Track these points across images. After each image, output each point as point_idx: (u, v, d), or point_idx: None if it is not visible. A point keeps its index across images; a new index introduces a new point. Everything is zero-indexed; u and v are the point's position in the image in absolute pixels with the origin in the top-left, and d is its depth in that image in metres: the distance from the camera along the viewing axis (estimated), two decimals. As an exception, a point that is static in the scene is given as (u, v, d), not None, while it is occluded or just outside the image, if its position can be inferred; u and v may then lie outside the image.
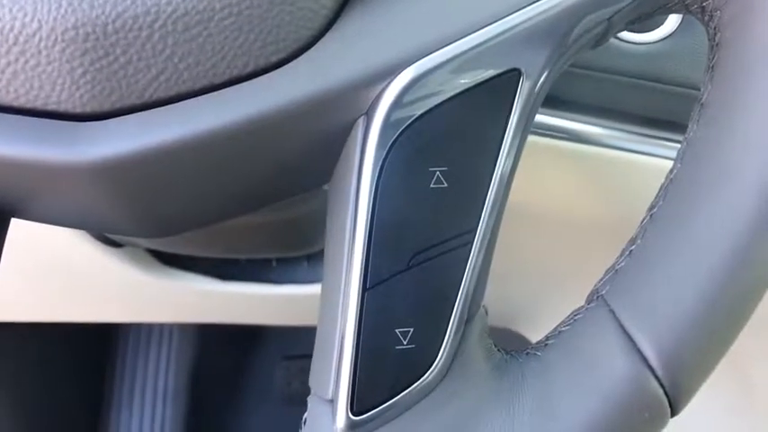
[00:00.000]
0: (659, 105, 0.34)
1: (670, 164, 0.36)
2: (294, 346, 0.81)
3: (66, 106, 0.18)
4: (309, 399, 0.21)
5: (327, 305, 0.20)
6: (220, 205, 0.21)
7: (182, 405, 0.77)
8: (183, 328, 0.78)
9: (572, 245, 0.44)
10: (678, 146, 0.35)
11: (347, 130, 0.19)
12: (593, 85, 0.34)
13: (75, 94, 0.18)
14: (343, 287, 0.19)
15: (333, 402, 0.19)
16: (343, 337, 0.19)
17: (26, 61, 0.17)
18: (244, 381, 0.80)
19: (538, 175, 0.37)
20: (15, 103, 0.18)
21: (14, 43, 0.17)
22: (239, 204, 0.22)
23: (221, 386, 0.80)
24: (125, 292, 0.52)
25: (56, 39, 0.17)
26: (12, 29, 0.17)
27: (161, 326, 0.78)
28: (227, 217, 0.23)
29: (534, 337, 0.60)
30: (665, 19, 0.33)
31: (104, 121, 0.18)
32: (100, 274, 0.50)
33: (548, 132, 0.35)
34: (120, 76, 0.18)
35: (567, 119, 0.35)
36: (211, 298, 0.54)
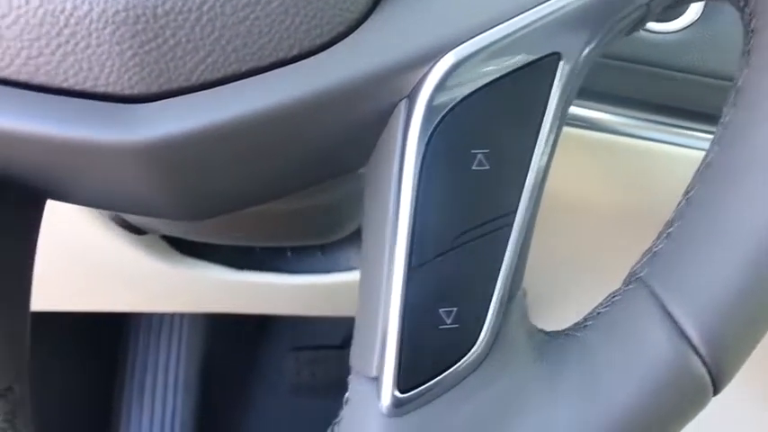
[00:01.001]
0: (681, 94, 0.34)
1: (692, 152, 0.36)
2: (303, 337, 0.81)
3: (114, 88, 0.18)
4: (351, 377, 0.21)
5: (369, 285, 0.20)
6: (259, 188, 0.22)
7: (192, 395, 0.78)
8: (193, 318, 0.79)
9: (588, 234, 0.45)
10: (700, 134, 0.36)
11: (388, 113, 0.19)
12: (614, 74, 0.34)
13: (123, 76, 0.18)
14: (386, 267, 0.19)
15: (377, 380, 0.19)
16: (387, 316, 0.19)
17: (76, 43, 0.18)
18: (253, 372, 0.81)
19: (556, 164, 0.38)
20: (64, 85, 0.18)
21: (65, 25, 0.18)
22: (278, 187, 0.22)
23: (231, 377, 0.81)
24: (140, 280, 0.52)
25: (106, 21, 0.17)
26: (63, 11, 0.17)
27: (171, 316, 0.78)
28: (264, 200, 0.23)
29: (545, 326, 0.60)
30: (687, 8, 0.33)
31: (152, 104, 0.18)
32: (114, 262, 0.50)
33: (569, 122, 0.35)
34: (169, 58, 0.18)
35: (588, 108, 0.35)
36: (226, 287, 0.54)
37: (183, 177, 0.19)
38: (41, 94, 0.18)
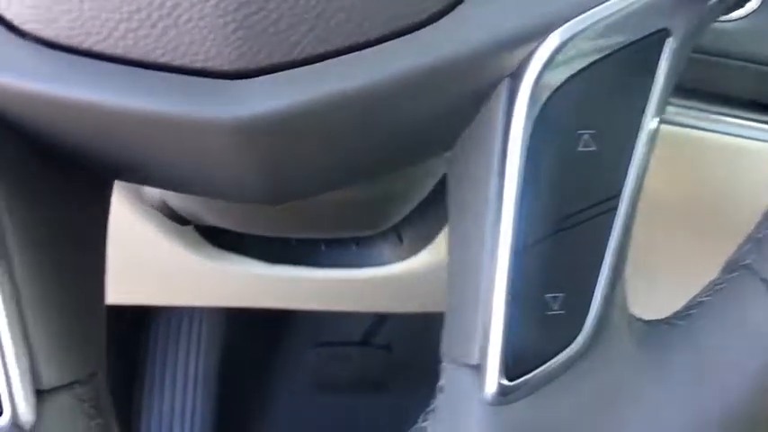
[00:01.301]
0: (743, 84, 0.33)
1: (750, 143, 0.35)
2: (323, 332, 0.81)
3: (212, 64, 0.18)
4: (446, 365, 0.20)
5: (466, 270, 0.20)
6: (345, 171, 0.21)
7: (211, 390, 0.77)
8: (213, 313, 0.78)
9: (652, 226, 0.44)
10: (761, 125, 0.35)
11: (488, 92, 0.19)
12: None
13: (223, 51, 0.17)
14: (487, 251, 0.19)
15: (479, 368, 0.19)
16: (490, 303, 0.19)
17: (178, 16, 0.17)
18: (273, 367, 0.80)
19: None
20: (161, 60, 0.18)
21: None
22: (363, 171, 0.22)
23: (251, 372, 0.80)
24: (171, 273, 0.52)
25: None
26: None
27: (191, 310, 0.78)
28: (345, 184, 0.22)
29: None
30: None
31: (254, 79, 0.18)
32: (146, 254, 0.50)
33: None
34: (272, 32, 0.17)
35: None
36: (258, 281, 0.53)
37: (278, 156, 0.19)
38: (137, 69, 0.18)
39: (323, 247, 0.54)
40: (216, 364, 0.78)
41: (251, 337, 0.81)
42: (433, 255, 0.50)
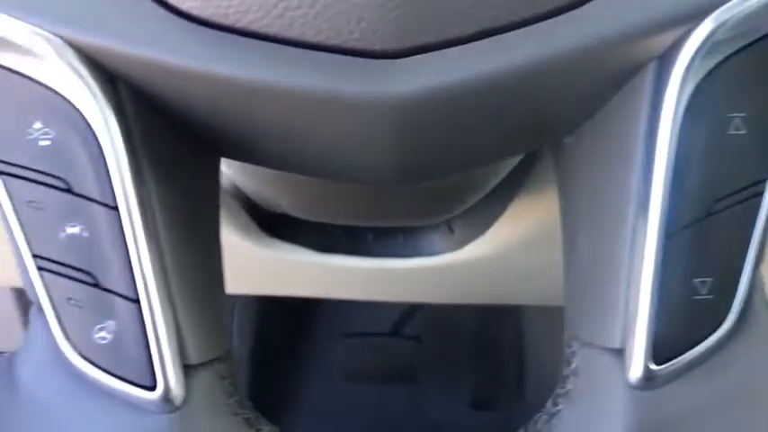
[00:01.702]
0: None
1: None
2: (355, 323, 0.81)
3: (366, 43, 0.17)
4: (578, 350, 0.20)
5: (607, 254, 0.20)
6: (476, 151, 0.21)
7: (242, 377, 0.77)
8: (245, 300, 0.78)
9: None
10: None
11: (631, 74, 0.19)
12: None
13: (378, 31, 0.17)
14: (630, 236, 0.19)
15: (623, 352, 0.19)
16: (637, 287, 0.19)
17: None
18: (304, 356, 0.80)
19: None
20: (315, 40, 0.17)
21: None
22: (489, 154, 0.22)
23: (282, 361, 0.80)
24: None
25: None
26: None
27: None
28: (468, 167, 0.22)
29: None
30: None
31: (407, 58, 0.17)
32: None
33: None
34: (429, 12, 0.17)
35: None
36: (306, 270, 0.53)
37: (421, 135, 0.19)
38: (293, 48, 0.18)
39: (369, 237, 0.54)
40: (247, 352, 0.78)
41: (282, 327, 0.81)
42: (484, 246, 0.50)
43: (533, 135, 0.21)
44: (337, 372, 0.80)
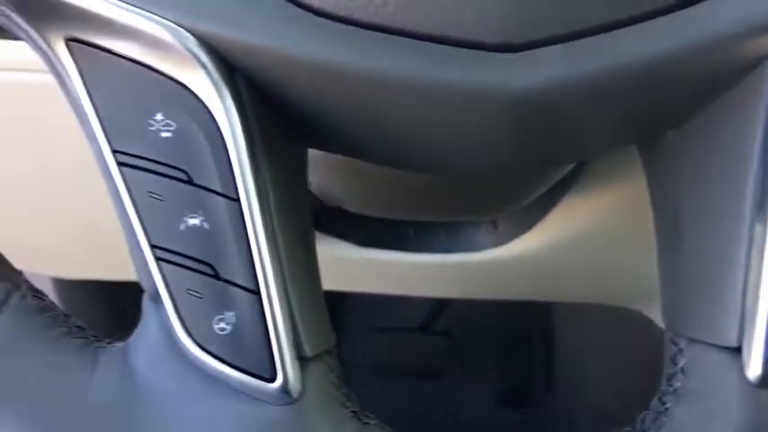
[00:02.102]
0: None
1: None
2: (385, 318, 0.81)
3: (483, 35, 0.17)
4: (688, 348, 0.20)
5: (716, 252, 0.20)
6: (581, 145, 0.21)
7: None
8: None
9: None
10: None
11: (746, 71, 0.18)
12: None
13: (496, 23, 0.17)
14: (749, 235, 0.19)
15: (740, 350, 0.19)
16: (757, 283, 0.19)
17: None
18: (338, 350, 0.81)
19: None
20: (435, 32, 0.18)
21: None
22: (593, 148, 0.22)
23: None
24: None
25: None
26: None
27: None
28: (569, 162, 0.22)
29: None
30: None
31: (528, 51, 0.18)
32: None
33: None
34: (549, 3, 0.17)
35: None
36: (345, 263, 0.54)
37: (539, 128, 0.19)
38: (408, 39, 0.18)
39: (411, 232, 0.54)
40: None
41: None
42: (528, 242, 0.50)
43: (642, 127, 0.21)
44: (367, 366, 0.80)
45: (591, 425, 0.73)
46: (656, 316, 0.59)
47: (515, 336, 0.84)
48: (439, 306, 0.81)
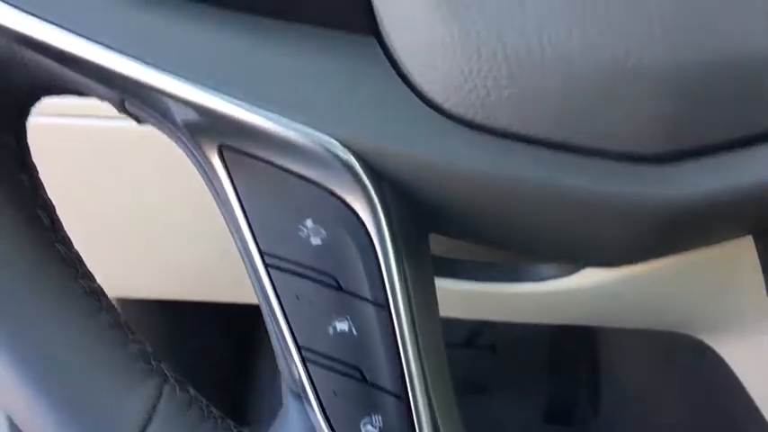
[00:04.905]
0: None
1: None
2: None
3: (639, 147, 0.18)
4: None
5: None
6: (706, 242, 0.21)
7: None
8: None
9: None
10: None
11: None
12: None
13: (654, 135, 0.17)
14: None
15: None
16: None
17: (614, 103, 0.17)
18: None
19: None
20: (583, 143, 0.18)
21: (614, 85, 0.17)
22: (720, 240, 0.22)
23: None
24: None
25: (654, 79, 0.17)
26: (615, 68, 0.17)
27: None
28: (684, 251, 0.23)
29: (717, 344, 0.59)
30: None
31: (682, 163, 0.18)
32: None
33: None
34: (705, 116, 0.17)
35: None
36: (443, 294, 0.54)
37: (679, 235, 0.19)
38: (562, 153, 0.18)
39: (471, 264, 0.54)
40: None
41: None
42: (591, 274, 0.50)
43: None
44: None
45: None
46: (720, 346, 0.59)
47: (560, 351, 0.84)
48: (483, 321, 0.81)
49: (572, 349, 0.84)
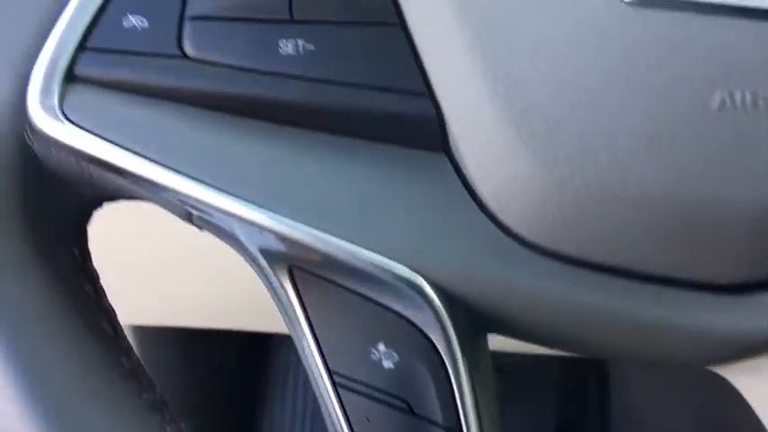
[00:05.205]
0: None
1: None
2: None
3: (719, 277, 0.18)
4: None
5: None
6: None
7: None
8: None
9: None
10: None
11: None
12: None
13: (737, 266, 0.17)
14: None
15: None
16: None
17: (703, 238, 0.17)
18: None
19: None
20: (656, 272, 0.18)
21: (692, 218, 0.17)
22: None
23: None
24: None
25: (739, 215, 0.17)
26: (701, 205, 0.17)
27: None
28: None
29: (733, 377, 0.59)
30: None
31: (760, 294, 0.18)
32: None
33: None
34: None
35: None
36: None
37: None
38: (636, 282, 0.18)
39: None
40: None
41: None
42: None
43: None
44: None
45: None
46: (736, 379, 0.59)
47: (570, 369, 0.84)
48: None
49: (582, 367, 0.84)
